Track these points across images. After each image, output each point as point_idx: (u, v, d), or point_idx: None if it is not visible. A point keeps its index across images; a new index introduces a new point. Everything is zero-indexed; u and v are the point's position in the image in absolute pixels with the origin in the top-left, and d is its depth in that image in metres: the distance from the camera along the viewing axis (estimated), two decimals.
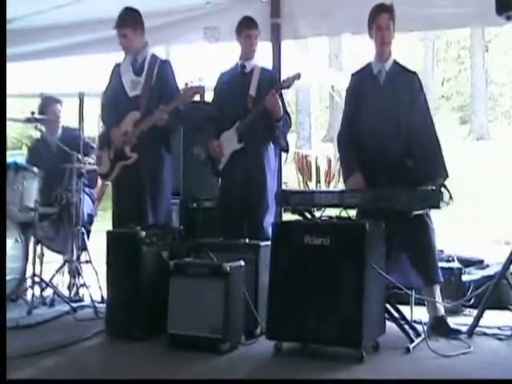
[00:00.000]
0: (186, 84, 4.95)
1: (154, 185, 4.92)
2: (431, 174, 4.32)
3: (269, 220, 4.81)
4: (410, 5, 5.25)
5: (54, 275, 5.33)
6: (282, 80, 4.95)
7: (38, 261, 5.31)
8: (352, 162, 4.55)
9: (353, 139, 4.60)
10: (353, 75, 4.75)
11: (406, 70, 4.60)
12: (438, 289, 4.40)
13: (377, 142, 4.46)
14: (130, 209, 4.89)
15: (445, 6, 5.24)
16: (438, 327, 4.32)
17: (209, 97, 5.52)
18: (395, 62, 4.58)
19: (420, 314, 4.39)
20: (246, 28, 5.04)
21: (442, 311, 4.40)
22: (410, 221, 4.02)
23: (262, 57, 5.32)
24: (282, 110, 4.85)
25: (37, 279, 5.21)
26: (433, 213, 4.20)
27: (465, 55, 29.35)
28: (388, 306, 4.13)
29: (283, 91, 5.01)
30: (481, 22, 7.70)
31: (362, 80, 4.64)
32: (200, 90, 4.93)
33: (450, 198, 3.95)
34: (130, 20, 5.02)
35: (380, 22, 4.49)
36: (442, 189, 3.99)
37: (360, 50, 22.13)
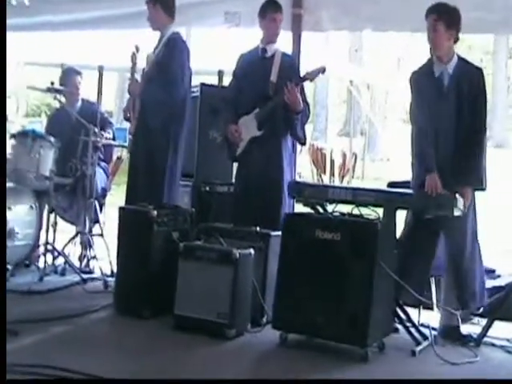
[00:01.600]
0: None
1: (149, 163, 4.96)
2: (465, 181, 4.21)
3: (283, 211, 4.77)
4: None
5: (66, 245, 5.38)
6: (305, 72, 4.88)
7: (51, 229, 5.34)
8: (430, 161, 4.24)
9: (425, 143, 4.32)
10: (413, 74, 4.45)
11: (471, 68, 4.35)
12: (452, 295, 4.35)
13: (441, 145, 4.27)
14: (132, 186, 4.96)
15: (469, 11, 5.15)
16: (449, 334, 4.28)
17: (227, 81, 5.50)
18: (459, 60, 4.32)
19: (428, 317, 4.37)
20: (271, 11, 4.97)
21: (455, 321, 4.33)
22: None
23: (281, 46, 5.23)
24: (301, 102, 4.77)
25: (49, 247, 5.26)
26: None
27: (487, 60, 29.17)
28: (396, 307, 4.11)
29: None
30: (505, 30, 7.63)
31: (424, 81, 4.38)
32: (322, 70, 4.83)
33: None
34: None
35: (428, 24, 4.27)
36: (457, 196, 3.97)
37: (381, 47, 22.03)
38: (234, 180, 5.27)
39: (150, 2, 5.05)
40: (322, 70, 4.78)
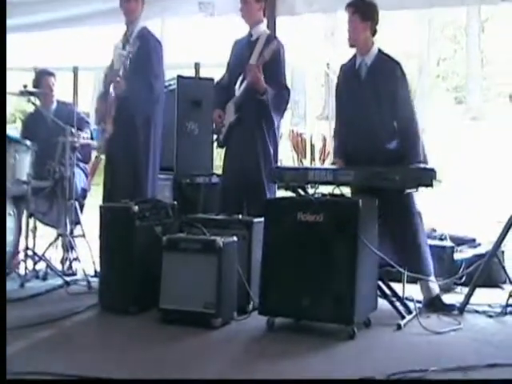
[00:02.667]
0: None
1: (129, 158, 4.99)
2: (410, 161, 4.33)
3: (268, 196, 4.79)
4: None
5: (47, 249, 5.32)
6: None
7: (30, 234, 5.30)
8: (336, 149, 4.68)
9: (341, 132, 4.72)
10: (341, 67, 4.74)
11: (388, 61, 4.54)
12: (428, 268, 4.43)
13: (361, 137, 4.48)
14: (113, 183, 4.97)
15: None
16: (433, 305, 4.37)
17: (204, 72, 5.50)
18: (379, 53, 4.53)
19: (412, 291, 4.42)
20: None
21: (436, 290, 4.44)
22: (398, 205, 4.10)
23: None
24: (262, 83, 4.71)
25: (30, 252, 5.21)
26: (426, 191, 4.20)
27: (461, 35, 29.25)
28: (380, 283, 4.15)
29: (283, 64, 4.94)
30: (476, 1, 7.67)
31: (347, 73, 4.66)
32: None
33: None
34: None
35: (347, 18, 4.54)
36: (434, 168, 4.01)
37: None
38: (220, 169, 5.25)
39: None
40: (279, 47, 4.80)
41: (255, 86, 4.74)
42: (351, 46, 4.57)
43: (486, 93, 24.86)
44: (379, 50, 4.55)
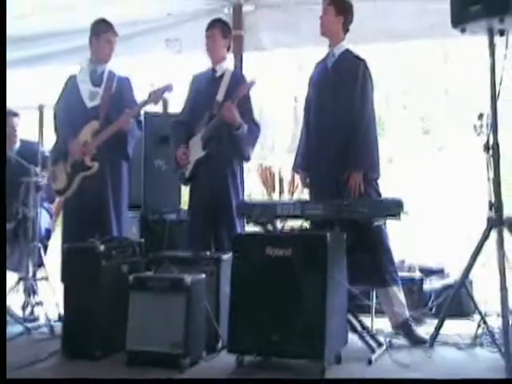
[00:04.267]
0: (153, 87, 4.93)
1: (116, 195, 4.91)
2: (361, 166, 4.43)
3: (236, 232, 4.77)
4: (373, 17, 5.31)
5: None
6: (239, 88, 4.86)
7: None
8: (298, 160, 4.85)
9: (304, 137, 4.81)
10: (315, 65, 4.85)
11: (355, 57, 4.63)
12: (396, 292, 4.43)
13: (321, 130, 4.58)
14: (92, 221, 4.82)
15: (406, 18, 5.30)
16: (402, 330, 4.38)
17: (172, 108, 5.49)
18: (347, 50, 4.65)
19: (382, 323, 4.40)
20: (206, 29, 5.02)
21: (404, 315, 4.42)
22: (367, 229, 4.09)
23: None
24: (237, 118, 4.75)
25: None
26: (394, 222, 4.22)
27: (425, 66, 29.73)
28: (350, 316, 4.13)
29: (251, 99, 4.97)
30: (441, 34, 7.79)
31: (317, 65, 4.77)
32: (169, 88, 4.89)
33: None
34: (102, 26, 5.06)
35: (322, 7, 4.63)
36: (402, 199, 4.03)
37: None
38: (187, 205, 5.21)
39: (106, 34, 5.04)
40: (252, 84, 4.81)
41: (231, 122, 4.75)
42: (322, 35, 4.66)
43: (452, 122, 25.24)
44: (348, 48, 4.66)
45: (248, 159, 4.98)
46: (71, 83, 5.12)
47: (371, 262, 4.36)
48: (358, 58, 4.62)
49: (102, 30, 5.05)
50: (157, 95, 4.88)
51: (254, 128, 4.94)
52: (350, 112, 4.47)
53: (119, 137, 4.89)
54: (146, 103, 4.91)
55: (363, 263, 4.32)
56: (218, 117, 4.79)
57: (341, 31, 4.64)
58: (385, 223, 4.31)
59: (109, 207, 4.88)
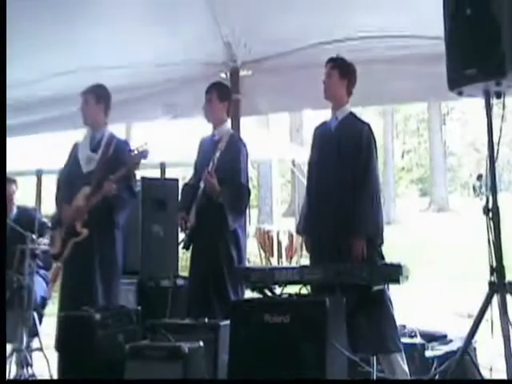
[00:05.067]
0: (131, 150, 4.90)
1: (104, 263, 4.85)
2: (365, 232, 4.37)
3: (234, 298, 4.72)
4: (369, 80, 5.35)
5: None
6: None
7: None
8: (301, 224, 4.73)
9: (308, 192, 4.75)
10: (315, 128, 4.85)
11: (359, 120, 4.64)
12: (399, 360, 4.33)
13: (323, 195, 4.53)
14: (80, 289, 4.77)
15: (402, 81, 5.34)
16: None
17: (170, 172, 5.48)
18: (351, 114, 4.64)
19: None
20: (205, 93, 5.05)
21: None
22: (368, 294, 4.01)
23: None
24: (216, 187, 4.73)
25: None
26: (394, 287, 4.16)
27: (423, 127, 30.11)
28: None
29: (245, 163, 4.97)
30: (437, 97, 7.88)
31: (320, 128, 4.77)
32: (145, 154, 4.87)
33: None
34: (94, 90, 5.08)
35: (325, 71, 4.63)
36: (402, 264, 3.98)
37: None
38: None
39: (92, 97, 5.06)
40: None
41: (211, 191, 4.75)
42: (326, 98, 4.66)
43: (451, 184, 25.34)
44: (351, 112, 4.66)
45: (228, 227, 4.82)
46: (74, 149, 5.16)
47: (373, 327, 4.28)
48: (361, 121, 4.63)
49: (84, 91, 5.10)
50: (135, 161, 4.86)
51: (242, 192, 4.89)
52: (354, 176, 4.44)
53: (105, 204, 4.85)
54: (125, 170, 4.85)
55: (365, 329, 4.24)
56: (203, 186, 4.80)
57: (345, 95, 4.64)
58: (388, 287, 4.25)
59: (95, 275, 4.82)
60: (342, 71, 4.60)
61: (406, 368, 4.35)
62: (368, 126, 4.58)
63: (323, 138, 4.68)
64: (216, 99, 5.03)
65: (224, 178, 4.77)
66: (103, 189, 4.80)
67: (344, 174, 4.47)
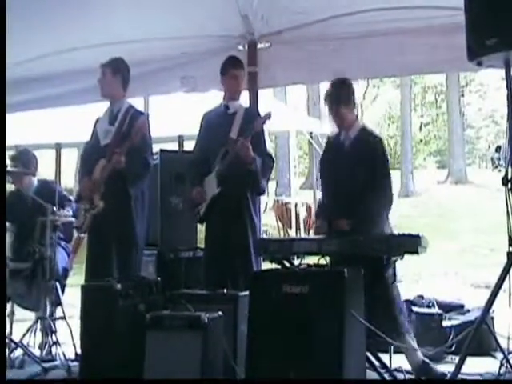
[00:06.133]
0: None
1: (120, 235, 4.86)
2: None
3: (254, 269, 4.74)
4: (385, 52, 5.34)
5: (24, 334, 5.10)
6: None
7: (7, 320, 5.10)
8: (319, 212, 4.80)
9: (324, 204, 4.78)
10: (327, 138, 4.94)
11: (371, 135, 4.68)
12: (409, 341, 4.36)
13: (341, 207, 4.51)
14: (99, 261, 4.83)
15: (419, 53, 5.31)
16: (422, 371, 4.28)
17: (188, 145, 5.48)
18: (362, 129, 4.69)
19: (400, 361, 4.32)
20: (232, 68, 5.05)
21: (420, 356, 4.35)
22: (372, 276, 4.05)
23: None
24: (251, 154, 4.75)
25: (7, 340, 4.93)
26: (412, 258, 4.17)
27: (441, 100, 29.85)
28: (368, 354, 4.07)
29: (265, 132, 4.99)
30: (455, 68, 7.81)
31: (332, 144, 4.81)
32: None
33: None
34: (112, 62, 5.07)
35: (330, 107, 4.66)
36: (420, 234, 3.99)
37: None
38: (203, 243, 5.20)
39: (109, 69, 5.05)
40: (268, 116, 4.80)
41: (245, 158, 4.75)
42: (339, 127, 4.70)
43: (469, 156, 25.16)
44: (363, 126, 4.71)
45: (263, 192, 4.99)
46: (95, 124, 5.19)
47: (385, 317, 4.30)
48: (374, 135, 4.68)
49: (102, 64, 5.10)
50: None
51: (268, 160, 4.96)
52: (370, 183, 4.46)
53: (119, 176, 4.85)
54: (130, 141, 4.80)
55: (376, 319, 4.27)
56: (233, 154, 4.80)
57: (354, 118, 4.71)
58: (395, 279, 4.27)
59: (111, 247, 4.86)
60: (346, 102, 4.63)
61: (415, 345, 4.36)
62: (380, 139, 4.68)
63: (336, 157, 4.71)
64: (242, 76, 5.12)
65: (252, 148, 4.77)
66: (112, 161, 4.82)
67: (359, 184, 4.48)
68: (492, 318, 4.81)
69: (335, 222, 4.42)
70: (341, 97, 4.62)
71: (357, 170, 4.50)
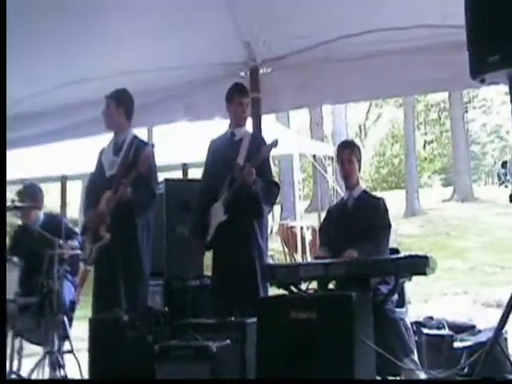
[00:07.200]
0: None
1: (127, 266, 4.85)
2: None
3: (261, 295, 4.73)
4: (388, 71, 5.34)
5: (33, 370, 5.02)
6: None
7: (16, 356, 5.09)
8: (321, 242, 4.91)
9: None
10: (329, 207, 5.24)
11: (373, 196, 4.87)
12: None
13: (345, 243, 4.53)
14: (107, 293, 4.81)
15: (422, 71, 5.32)
16: None
17: (193, 173, 5.49)
18: (364, 191, 4.87)
19: None
20: (237, 95, 5.07)
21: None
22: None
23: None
24: (255, 179, 4.76)
25: (14, 376, 4.94)
26: (420, 278, 4.13)
27: (445, 117, 29.87)
28: (378, 378, 4.02)
29: (270, 159, 5.04)
30: (458, 86, 7.81)
31: (335, 204, 5.12)
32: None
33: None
34: (115, 94, 5.10)
35: (342, 156, 4.80)
36: (428, 255, 3.97)
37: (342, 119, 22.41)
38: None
39: (113, 101, 5.09)
40: (275, 144, 4.79)
41: (248, 181, 4.76)
42: (344, 180, 4.92)
43: (475, 172, 25.09)
44: (364, 190, 4.90)
45: (262, 216, 4.96)
46: (100, 155, 5.20)
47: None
48: (376, 197, 4.85)
49: (107, 95, 5.13)
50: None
51: (273, 187, 4.98)
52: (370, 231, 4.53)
53: (125, 207, 4.84)
54: (136, 171, 4.81)
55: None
56: (239, 180, 4.80)
57: (358, 177, 4.88)
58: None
59: (119, 278, 4.83)
60: (357, 154, 4.83)
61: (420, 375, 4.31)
62: (383, 200, 4.78)
63: (341, 212, 4.87)
64: (247, 103, 5.17)
65: (257, 174, 4.80)
66: (118, 192, 4.82)
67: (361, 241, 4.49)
68: (505, 339, 4.73)
69: (345, 254, 4.39)
70: (357, 151, 4.84)
71: (359, 228, 4.57)
